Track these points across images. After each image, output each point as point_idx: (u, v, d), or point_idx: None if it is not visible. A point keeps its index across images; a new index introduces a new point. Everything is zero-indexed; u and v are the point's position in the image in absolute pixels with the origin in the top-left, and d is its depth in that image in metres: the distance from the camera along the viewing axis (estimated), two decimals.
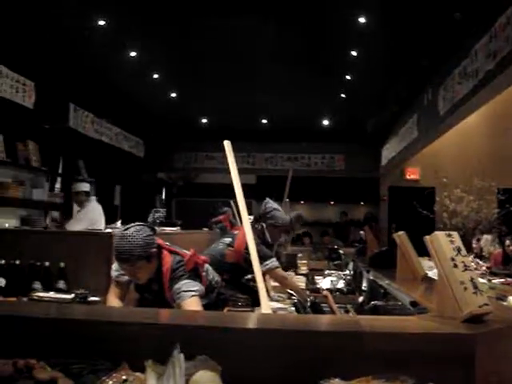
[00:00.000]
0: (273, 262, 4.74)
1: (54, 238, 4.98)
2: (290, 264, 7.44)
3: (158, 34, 8.69)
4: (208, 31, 8.50)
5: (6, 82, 7.89)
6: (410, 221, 7.61)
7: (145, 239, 3.23)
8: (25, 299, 3.84)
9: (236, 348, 1.79)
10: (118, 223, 5.97)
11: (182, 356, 1.58)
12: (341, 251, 9.21)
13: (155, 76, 10.60)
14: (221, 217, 8.56)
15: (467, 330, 1.85)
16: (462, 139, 10.41)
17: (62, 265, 4.47)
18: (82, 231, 5.58)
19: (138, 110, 12.77)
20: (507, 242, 6.87)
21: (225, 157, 3.23)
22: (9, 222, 7.29)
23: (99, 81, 10.29)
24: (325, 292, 4.63)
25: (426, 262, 3.87)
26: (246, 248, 4.42)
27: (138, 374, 1.69)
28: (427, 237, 2.11)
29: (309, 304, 4.04)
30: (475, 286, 1.97)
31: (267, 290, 3.63)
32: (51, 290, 4.16)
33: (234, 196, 3.14)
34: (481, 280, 2.34)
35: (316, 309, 3.97)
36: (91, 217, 7.48)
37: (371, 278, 4.50)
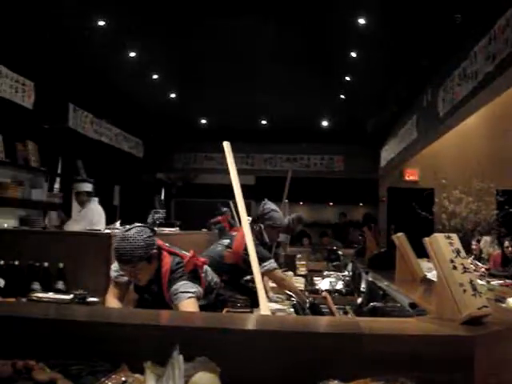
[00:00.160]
0: (271, 264, 4.74)
1: (53, 238, 4.97)
2: (288, 265, 7.44)
3: (158, 35, 8.70)
4: (208, 32, 8.51)
5: (6, 82, 7.90)
6: (408, 222, 7.60)
7: (146, 240, 3.24)
8: (24, 300, 3.85)
9: (235, 349, 1.79)
10: (117, 224, 5.97)
11: (181, 357, 1.58)
12: (340, 252, 9.20)
13: (155, 76, 10.61)
14: (220, 217, 8.56)
15: (466, 332, 1.85)
16: (461, 140, 10.42)
17: (61, 265, 4.48)
18: (81, 232, 5.57)
19: (137, 111, 12.78)
20: (506, 244, 6.87)
21: (224, 157, 3.23)
22: (8, 223, 7.28)
23: (99, 81, 10.29)
24: (324, 293, 4.63)
25: (424, 264, 3.87)
26: (245, 249, 4.43)
27: (137, 375, 1.69)
28: (426, 239, 2.11)
29: (308, 305, 4.04)
30: (474, 288, 1.97)
31: (266, 291, 3.63)
32: (50, 291, 4.16)
33: (233, 197, 3.14)
34: (480, 282, 2.35)
35: (315, 310, 3.97)
36: (91, 218, 7.48)
37: (370, 279, 4.50)
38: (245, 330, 1.98)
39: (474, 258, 6.75)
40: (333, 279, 6.40)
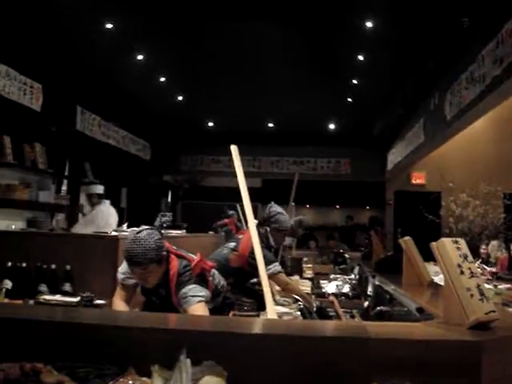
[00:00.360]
0: (275, 267, 4.74)
1: (61, 240, 4.98)
2: (295, 268, 7.43)
3: (165, 38, 8.71)
4: (215, 35, 8.53)
5: (14, 85, 7.92)
6: (415, 225, 7.61)
7: (157, 242, 3.26)
8: (31, 302, 3.85)
9: (242, 353, 1.80)
10: (125, 226, 5.98)
11: (188, 361, 1.58)
12: (346, 255, 9.19)
13: (162, 79, 10.62)
14: (226, 220, 8.58)
15: (473, 337, 1.84)
16: (468, 144, 10.40)
17: (68, 267, 4.48)
18: (88, 234, 5.58)
19: (144, 113, 12.80)
20: None
21: (231, 160, 3.24)
22: (15, 224, 7.31)
23: (106, 84, 10.32)
24: (331, 298, 4.63)
25: (431, 267, 3.87)
26: (250, 252, 4.44)
27: (144, 378, 1.69)
28: (434, 243, 2.11)
29: (315, 309, 4.03)
30: (482, 293, 1.97)
31: (272, 294, 3.63)
32: (57, 293, 4.17)
33: (239, 199, 3.15)
34: (487, 286, 2.34)
35: (322, 314, 3.97)
36: (100, 220, 7.54)
37: (377, 283, 4.49)
38: (252, 334, 1.98)
39: (481, 262, 6.73)
40: (339, 282, 6.39)
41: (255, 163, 15.53)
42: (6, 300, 4.06)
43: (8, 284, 4.25)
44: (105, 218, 7.62)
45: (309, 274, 7.56)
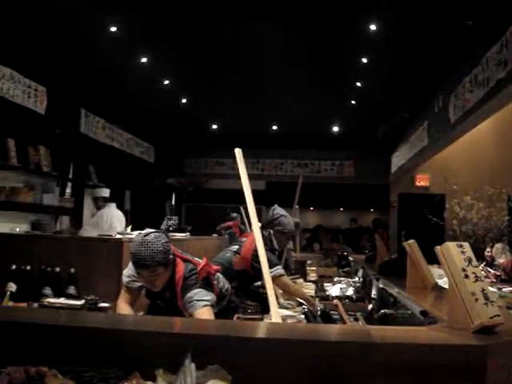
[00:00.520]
0: (277, 270, 4.74)
1: (65, 243, 4.99)
2: (299, 271, 7.44)
3: (169, 40, 8.72)
4: (219, 37, 8.54)
5: (18, 88, 7.94)
6: (419, 228, 7.59)
7: (164, 246, 3.27)
8: (35, 305, 3.87)
9: (247, 357, 1.80)
10: (129, 229, 5.99)
11: (193, 365, 1.58)
12: (350, 258, 9.19)
13: (166, 82, 10.63)
14: (230, 223, 8.60)
15: (478, 342, 1.84)
16: (472, 146, 10.37)
17: (73, 270, 4.49)
18: (93, 237, 5.59)
19: (148, 116, 12.82)
20: None
21: (235, 162, 3.24)
22: (19, 227, 7.33)
23: (110, 86, 10.33)
24: (335, 301, 4.63)
25: (435, 270, 3.87)
26: (253, 255, 4.44)
27: (148, 382, 1.69)
28: (438, 247, 2.11)
29: (319, 313, 4.04)
30: (486, 297, 1.97)
31: (276, 297, 3.64)
32: (61, 296, 4.18)
33: (244, 201, 3.15)
34: (491, 289, 2.34)
35: (326, 318, 3.97)
36: (103, 223, 7.59)
37: (381, 286, 4.49)
38: (257, 338, 1.98)
39: (485, 265, 6.72)
40: (343, 285, 6.39)
41: (259, 166, 15.52)
42: (11, 303, 4.07)
43: (12, 287, 4.27)
44: (109, 221, 7.66)
45: (313, 276, 7.56)
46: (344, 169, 15.64)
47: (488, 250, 7.08)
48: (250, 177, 3.18)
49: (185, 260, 3.48)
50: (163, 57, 9.48)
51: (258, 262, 3.01)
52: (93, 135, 10.69)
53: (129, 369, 1.74)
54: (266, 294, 2.92)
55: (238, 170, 3.18)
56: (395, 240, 11.38)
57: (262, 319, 3.72)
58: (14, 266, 4.45)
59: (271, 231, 5.05)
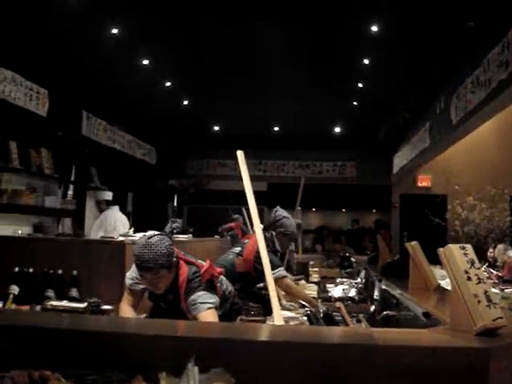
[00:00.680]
0: (280, 272, 4.74)
1: (67, 245, 5.00)
2: (301, 272, 7.43)
3: (171, 42, 8.73)
4: (221, 39, 8.55)
5: (20, 90, 7.95)
6: (421, 228, 7.60)
7: (168, 248, 3.27)
8: (38, 307, 3.87)
9: (251, 360, 1.80)
10: (131, 231, 5.99)
11: (196, 368, 1.58)
12: (352, 259, 9.18)
13: (167, 84, 10.64)
14: (232, 224, 8.59)
15: (481, 344, 1.84)
16: (474, 147, 10.36)
17: (75, 273, 4.49)
18: (95, 239, 5.60)
19: (150, 118, 12.83)
20: None
21: (236, 164, 3.24)
22: (22, 230, 7.34)
23: (112, 88, 10.35)
24: (338, 303, 4.63)
25: (438, 271, 3.87)
26: (256, 257, 4.44)
27: None
28: (441, 249, 2.11)
29: (322, 315, 4.03)
30: (489, 299, 1.96)
31: (279, 299, 3.64)
32: (64, 298, 4.18)
33: (245, 203, 3.15)
34: (493, 290, 2.34)
35: (329, 320, 3.97)
36: (107, 224, 7.63)
37: (383, 287, 4.49)
38: (261, 341, 1.98)
39: (488, 266, 6.71)
40: (346, 286, 6.38)
41: (261, 167, 15.53)
42: (14, 305, 4.07)
43: (15, 289, 4.26)
44: (113, 224, 7.70)
45: (315, 277, 7.55)
46: (346, 170, 15.64)
47: (491, 250, 7.08)
48: (252, 178, 3.18)
49: (188, 262, 3.48)
50: (164, 59, 9.49)
51: (261, 264, 3.01)
52: (94, 137, 10.71)
53: (132, 372, 1.74)
54: (268, 295, 2.92)
55: (239, 171, 3.18)
56: (397, 241, 11.40)
57: (264, 321, 3.73)
58: (16, 269, 4.45)
59: (273, 233, 5.04)
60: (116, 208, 8.18)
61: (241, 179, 3.15)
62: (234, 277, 4.49)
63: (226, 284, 3.91)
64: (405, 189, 13.35)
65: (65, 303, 3.85)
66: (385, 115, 12.40)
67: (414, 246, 3.72)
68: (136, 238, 4.20)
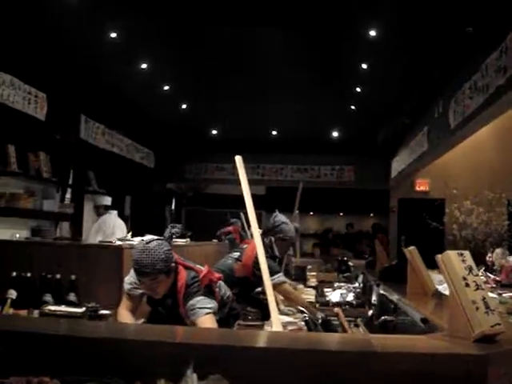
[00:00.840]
0: (279, 277, 4.74)
1: (65, 249, 4.99)
2: (299, 276, 7.44)
3: (168, 46, 8.74)
4: (219, 43, 8.55)
5: (19, 94, 7.94)
6: (419, 232, 7.60)
7: (166, 253, 3.27)
8: (36, 312, 3.86)
9: (249, 367, 1.80)
10: (129, 235, 5.99)
11: (195, 376, 1.58)
12: (350, 263, 9.19)
13: (166, 88, 10.64)
14: (230, 228, 8.60)
15: (479, 351, 1.84)
16: (472, 151, 10.38)
17: (73, 277, 4.49)
18: (93, 244, 5.60)
19: (148, 122, 12.83)
20: None
21: (235, 168, 3.25)
22: (20, 233, 7.32)
23: (110, 92, 10.35)
24: (336, 309, 4.63)
25: (435, 276, 3.88)
26: (254, 262, 4.44)
27: None
28: (439, 256, 2.11)
29: (320, 321, 4.04)
30: (487, 306, 1.97)
31: (277, 303, 3.64)
32: (62, 303, 4.16)
33: (243, 207, 3.15)
34: (491, 294, 2.34)
35: (327, 326, 3.97)
36: (106, 227, 7.64)
37: (381, 291, 4.50)
38: (259, 347, 1.98)
39: (485, 270, 6.72)
40: (343, 291, 6.39)
41: (259, 171, 15.52)
42: (11, 310, 4.06)
43: (13, 294, 4.25)
44: (111, 228, 7.70)
45: (313, 282, 7.56)
46: (344, 174, 15.62)
47: (489, 255, 7.08)
48: (250, 182, 3.18)
49: (187, 267, 3.49)
50: (163, 62, 9.49)
51: (260, 269, 3.02)
52: (92, 141, 10.70)
53: (130, 378, 1.75)
54: (266, 300, 2.93)
55: (237, 175, 3.18)
56: (395, 245, 11.39)
57: (262, 326, 3.73)
58: (14, 273, 4.45)
59: (272, 238, 5.04)
60: (114, 213, 8.19)
61: (239, 183, 3.15)
62: (233, 282, 4.49)
63: (224, 289, 3.91)
64: (403, 193, 13.34)
65: (63, 308, 3.84)
66: (383, 119, 12.42)
67: (411, 251, 3.74)
68: (134, 243, 4.20)
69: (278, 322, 2.81)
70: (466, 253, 2.11)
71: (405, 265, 3.85)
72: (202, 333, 2.59)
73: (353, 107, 11.72)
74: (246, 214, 3.40)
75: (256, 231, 3.17)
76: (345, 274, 8.56)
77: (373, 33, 7.95)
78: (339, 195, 15.96)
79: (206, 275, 3.44)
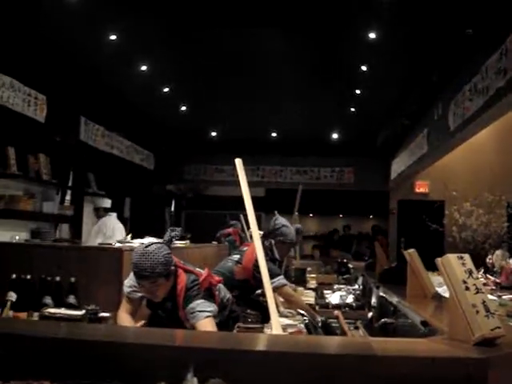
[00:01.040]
0: (280, 280, 4.74)
1: (65, 252, 4.98)
2: (299, 278, 7.42)
3: (168, 48, 8.74)
4: (218, 45, 8.56)
5: (18, 96, 7.94)
6: (419, 234, 7.61)
7: (165, 257, 3.27)
8: (36, 314, 3.86)
9: (249, 370, 1.80)
10: (128, 237, 5.99)
11: (195, 380, 1.58)
12: (350, 265, 9.18)
13: (165, 89, 10.64)
14: (230, 230, 8.60)
15: (479, 354, 1.84)
16: (471, 153, 10.38)
17: (73, 279, 4.48)
18: (93, 246, 5.60)
19: (148, 123, 12.83)
20: None
21: (234, 169, 3.25)
22: (19, 235, 7.33)
23: (110, 94, 10.35)
24: (336, 312, 4.63)
25: (435, 278, 3.87)
26: (254, 265, 4.43)
27: None
28: (439, 259, 2.11)
29: (320, 324, 4.03)
30: (487, 309, 1.97)
31: (276, 306, 3.64)
32: (62, 305, 4.16)
33: (243, 208, 3.15)
34: (491, 297, 2.34)
35: (327, 329, 3.97)
36: (106, 229, 7.64)
37: (381, 294, 4.49)
38: (259, 351, 1.98)
39: (484, 272, 6.72)
40: (343, 293, 6.38)
41: (259, 172, 15.52)
42: (11, 312, 4.05)
43: (13, 296, 4.25)
44: (110, 230, 7.71)
45: (312, 284, 7.55)
46: (344, 175, 15.63)
47: (490, 257, 7.08)
48: (250, 184, 3.18)
49: (187, 271, 3.48)
50: (162, 64, 9.49)
51: (260, 272, 3.01)
52: (92, 143, 10.69)
53: (130, 382, 1.75)
54: (266, 302, 2.92)
55: (237, 177, 3.18)
56: (395, 247, 11.39)
57: (262, 328, 3.72)
58: (14, 275, 4.44)
59: (272, 241, 5.04)
60: (114, 215, 8.20)
61: (238, 184, 3.15)
62: (233, 284, 4.49)
63: (224, 292, 3.91)
64: (402, 195, 13.34)
65: (63, 310, 3.83)
66: (383, 121, 12.42)
67: (411, 254, 3.73)
68: (134, 245, 4.19)
69: (277, 324, 2.80)
70: (466, 256, 2.11)
71: (404, 267, 3.84)
72: (202, 336, 2.59)
73: (353, 109, 11.72)
74: (245, 215, 3.40)
75: (256, 233, 3.16)
76: (344, 276, 8.54)
77: (372, 34, 7.96)
78: (339, 197, 15.96)
79: (205, 278, 3.44)
